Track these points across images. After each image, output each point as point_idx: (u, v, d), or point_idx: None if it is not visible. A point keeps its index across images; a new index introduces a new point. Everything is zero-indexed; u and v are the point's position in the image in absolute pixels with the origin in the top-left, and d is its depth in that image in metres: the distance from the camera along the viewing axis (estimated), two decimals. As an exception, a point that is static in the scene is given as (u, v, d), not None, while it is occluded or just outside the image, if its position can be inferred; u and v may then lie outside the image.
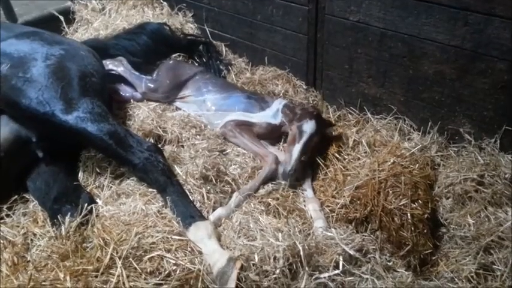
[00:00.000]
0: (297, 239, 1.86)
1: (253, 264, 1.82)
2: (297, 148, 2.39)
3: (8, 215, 2.21)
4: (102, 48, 3.02)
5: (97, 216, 2.08)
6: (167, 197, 2.09)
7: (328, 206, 2.26)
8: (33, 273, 1.77)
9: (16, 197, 2.30)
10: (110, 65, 3.00)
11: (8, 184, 2.30)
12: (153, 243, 1.89)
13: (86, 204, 2.09)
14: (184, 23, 3.66)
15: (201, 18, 3.66)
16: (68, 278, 1.68)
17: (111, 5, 3.84)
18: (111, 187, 2.25)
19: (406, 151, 2.38)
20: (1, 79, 2.19)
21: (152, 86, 2.93)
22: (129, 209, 2.06)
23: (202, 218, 2.06)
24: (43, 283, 1.70)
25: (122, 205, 2.11)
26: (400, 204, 2.07)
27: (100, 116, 2.23)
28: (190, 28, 3.66)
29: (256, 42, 3.35)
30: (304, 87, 3.12)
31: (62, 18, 3.74)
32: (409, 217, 2.04)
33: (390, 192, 2.12)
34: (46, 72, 2.22)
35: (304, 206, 2.27)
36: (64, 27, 3.78)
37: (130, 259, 1.79)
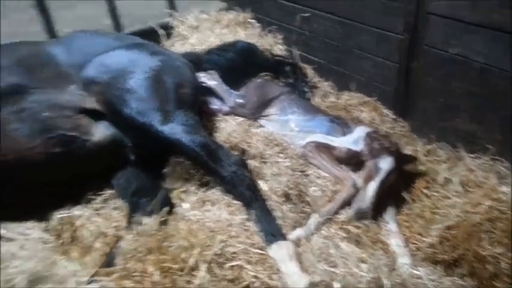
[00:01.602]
0: (382, 272, 1.79)
1: (334, 292, 1.78)
2: (373, 186, 2.29)
3: (102, 207, 2.36)
4: (196, 62, 3.17)
5: (183, 218, 2.16)
6: (252, 211, 2.12)
7: (414, 244, 2.15)
8: (124, 263, 1.87)
9: (108, 192, 2.44)
10: (202, 77, 3.16)
11: (102, 179, 2.45)
12: (234, 253, 1.92)
13: (163, 200, 2.19)
14: (273, 44, 3.77)
15: (290, 40, 3.75)
16: (157, 272, 1.75)
17: (207, 23, 4.08)
18: (197, 193, 2.34)
19: (504, 195, 2.19)
20: (106, 87, 2.32)
21: (241, 101, 3.03)
22: (214, 216, 2.12)
23: (284, 237, 2.05)
24: (133, 273, 1.79)
25: (207, 212, 2.17)
26: (495, 251, 1.91)
27: (193, 128, 2.31)
28: (279, 49, 3.76)
29: (343, 67, 3.35)
30: (392, 116, 3.04)
31: (162, 32, 4.01)
32: (503, 267, 1.88)
33: (484, 237, 1.97)
34: (146, 84, 2.33)
35: (387, 239, 2.19)
36: (161, 41, 4.03)
37: (213, 264, 1.83)
